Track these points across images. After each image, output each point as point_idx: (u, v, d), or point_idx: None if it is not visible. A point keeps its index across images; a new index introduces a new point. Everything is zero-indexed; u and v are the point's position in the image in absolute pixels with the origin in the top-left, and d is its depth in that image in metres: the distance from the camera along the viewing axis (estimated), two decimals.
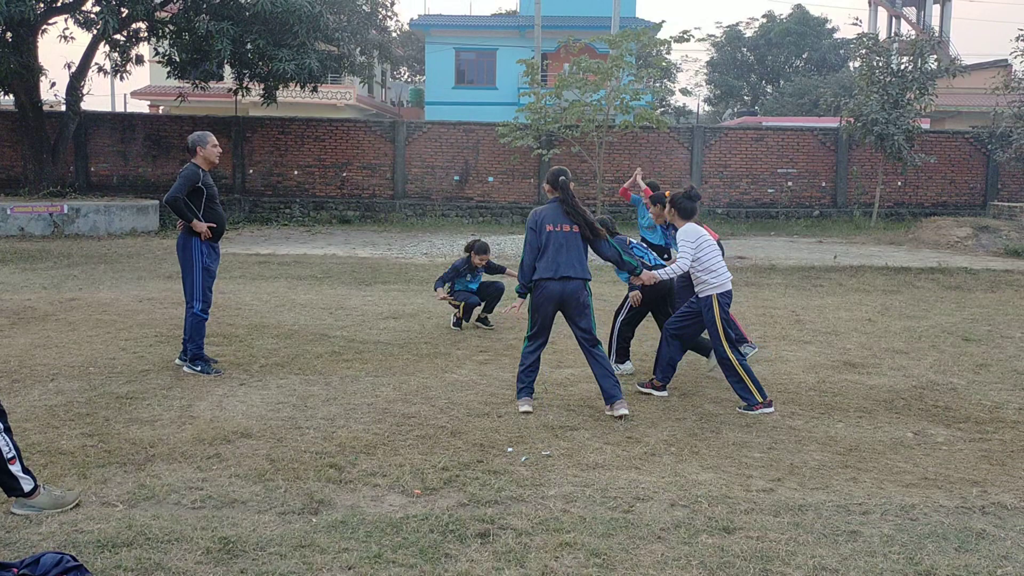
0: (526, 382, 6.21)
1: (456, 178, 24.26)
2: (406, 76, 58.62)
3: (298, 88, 21.70)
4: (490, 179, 24.26)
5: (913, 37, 25.91)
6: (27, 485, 4.12)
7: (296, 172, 24.20)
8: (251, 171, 24.14)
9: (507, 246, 16.84)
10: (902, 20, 44.24)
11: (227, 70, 22.01)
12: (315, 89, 22.23)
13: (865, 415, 6.20)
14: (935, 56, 23.72)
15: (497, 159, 24.18)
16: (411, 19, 39.52)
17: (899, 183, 24.42)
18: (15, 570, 3.40)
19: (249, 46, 19.86)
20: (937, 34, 28.16)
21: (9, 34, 19.18)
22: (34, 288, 11.22)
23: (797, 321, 9.90)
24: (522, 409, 6.05)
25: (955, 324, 9.85)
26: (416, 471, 4.81)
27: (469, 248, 9.31)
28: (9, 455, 4.09)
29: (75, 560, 3.49)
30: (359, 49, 23.93)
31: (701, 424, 5.89)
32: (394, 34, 29.24)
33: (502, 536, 3.99)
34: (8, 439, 4.10)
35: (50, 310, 9.60)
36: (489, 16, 49.22)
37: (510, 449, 5.25)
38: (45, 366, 7.05)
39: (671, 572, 3.68)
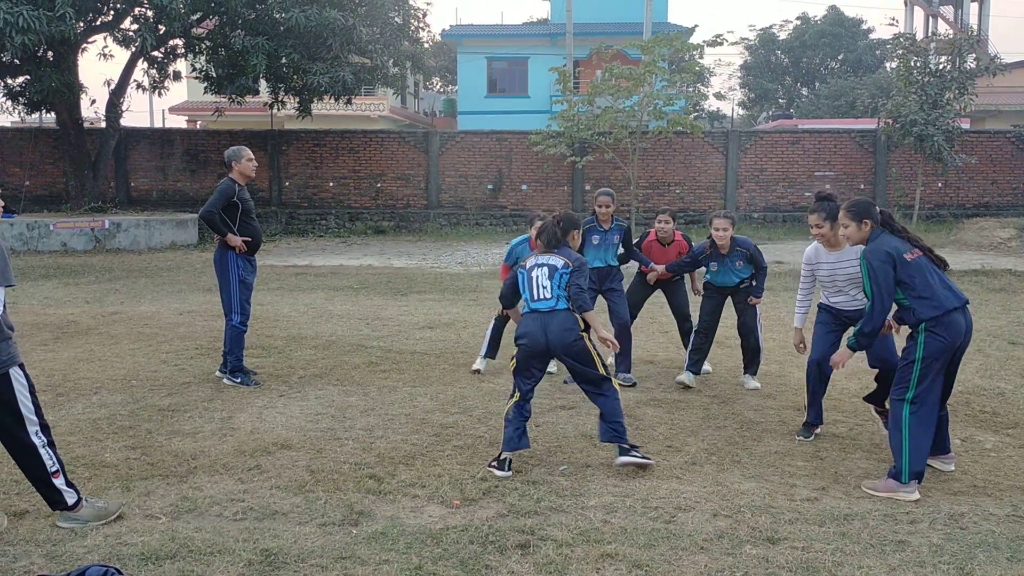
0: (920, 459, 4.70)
1: (489, 187, 24.29)
2: (439, 86, 58.90)
3: (332, 101, 21.89)
4: (524, 188, 24.27)
5: (951, 36, 25.52)
6: (71, 498, 4.17)
7: (331, 184, 24.41)
8: (287, 184, 24.38)
9: None
10: (939, 19, 43.59)
11: (263, 84, 22.27)
12: (349, 101, 22.41)
13: None
14: (974, 55, 23.31)
15: (530, 167, 24.18)
16: (443, 29, 39.67)
17: (939, 184, 24.01)
18: None
19: (284, 60, 20.08)
20: (975, 32, 27.71)
21: (50, 53, 19.56)
22: (77, 302, 11.40)
23: None
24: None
25: (1001, 328, 9.65)
26: (455, 482, 4.80)
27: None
28: (53, 469, 4.14)
29: (120, 572, 3.52)
30: (392, 61, 24.07)
31: (742, 432, 5.81)
32: (426, 45, 29.33)
33: (542, 547, 3.96)
34: (52, 453, 4.16)
35: (93, 324, 9.74)
36: (520, 24, 49.29)
37: (564, 468, 5.13)
38: (88, 379, 7.15)
39: None
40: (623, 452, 5.01)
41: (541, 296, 5.13)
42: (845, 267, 5.58)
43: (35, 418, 4.11)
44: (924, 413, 4.66)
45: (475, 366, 7.59)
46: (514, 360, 5.18)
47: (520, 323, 5.26)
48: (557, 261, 5.19)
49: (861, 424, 6.01)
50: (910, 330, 4.80)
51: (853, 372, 7.54)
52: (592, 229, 7.35)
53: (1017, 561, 3.85)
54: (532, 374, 5.14)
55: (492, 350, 7.63)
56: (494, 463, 5.03)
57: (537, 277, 5.17)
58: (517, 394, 5.13)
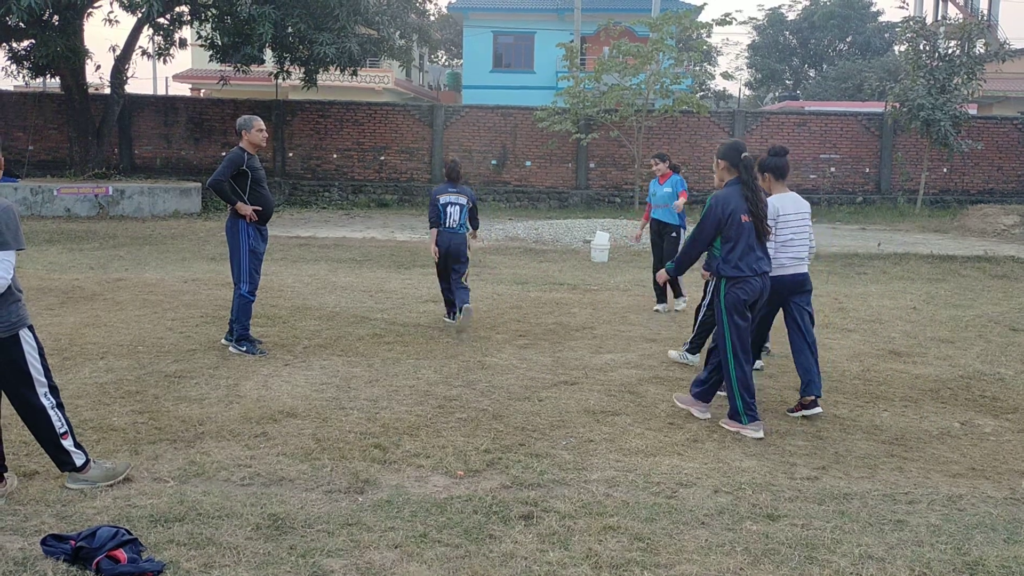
0: (749, 403, 5.35)
1: (493, 162, 24.25)
2: (444, 60, 58.55)
3: (338, 72, 21.80)
4: (527, 164, 24.22)
5: (961, 20, 25.38)
6: (79, 459, 4.22)
7: (335, 156, 24.36)
8: (291, 154, 24.34)
9: (544, 231, 16.82)
10: (949, 3, 43.28)
11: (268, 54, 22.15)
12: (355, 73, 22.30)
13: (911, 404, 6.12)
14: (983, 40, 23.18)
15: (535, 144, 24.12)
16: (449, 2, 39.38)
17: (945, 169, 23.97)
18: (73, 542, 3.50)
19: (290, 30, 19.99)
20: (985, 17, 27.54)
21: (56, 17, 19.46)
22: (81, 268, 11.43)
23: (840, 309, 9.79)
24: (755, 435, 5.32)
25: (1002, 313, 9.69)
26: (459, 453, 4.85)
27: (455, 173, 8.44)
28: (62, 430, 4.18)
29: (130, 534, 3.57)
30: (398, 32, 23.94)
31: None
32: (432, 17, 29.19)
33: (545, 518, 4.01)
34: (61, 415, 4.20)
35: (98, 290, 9.78)
36: None
37: (566, 442, 5.24)
38: (95, 344, 7.19)
39: (715, 558, 3.67)
40: (462, 311, 7.97)
41: (452, 224, 8.19)
42: None
43: (44, 380, 4.14)
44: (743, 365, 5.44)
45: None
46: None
47: (439, 237, 8.19)
48: (463, 200, 8.25)
49: (861, 406, 6.06)
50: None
51: (855, 354, 7.59)
52: None
53: (1014, 542, 3.90)
54: (446, 274, 8.37)
55: None
56: (448, 316, 8.45)
57: (451, 212, 8.18)
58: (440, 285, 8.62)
